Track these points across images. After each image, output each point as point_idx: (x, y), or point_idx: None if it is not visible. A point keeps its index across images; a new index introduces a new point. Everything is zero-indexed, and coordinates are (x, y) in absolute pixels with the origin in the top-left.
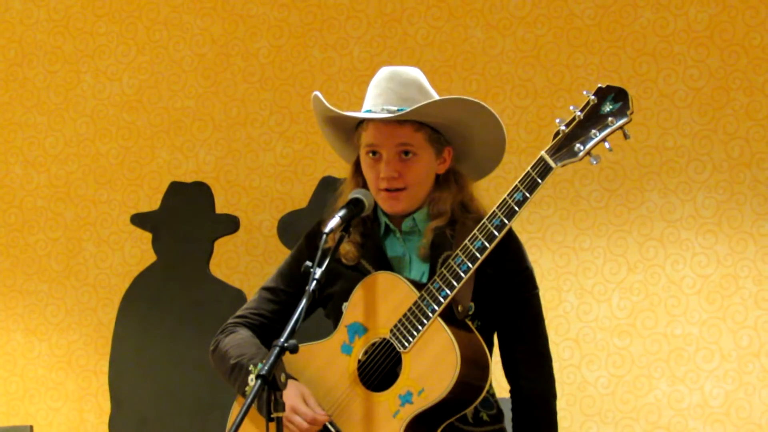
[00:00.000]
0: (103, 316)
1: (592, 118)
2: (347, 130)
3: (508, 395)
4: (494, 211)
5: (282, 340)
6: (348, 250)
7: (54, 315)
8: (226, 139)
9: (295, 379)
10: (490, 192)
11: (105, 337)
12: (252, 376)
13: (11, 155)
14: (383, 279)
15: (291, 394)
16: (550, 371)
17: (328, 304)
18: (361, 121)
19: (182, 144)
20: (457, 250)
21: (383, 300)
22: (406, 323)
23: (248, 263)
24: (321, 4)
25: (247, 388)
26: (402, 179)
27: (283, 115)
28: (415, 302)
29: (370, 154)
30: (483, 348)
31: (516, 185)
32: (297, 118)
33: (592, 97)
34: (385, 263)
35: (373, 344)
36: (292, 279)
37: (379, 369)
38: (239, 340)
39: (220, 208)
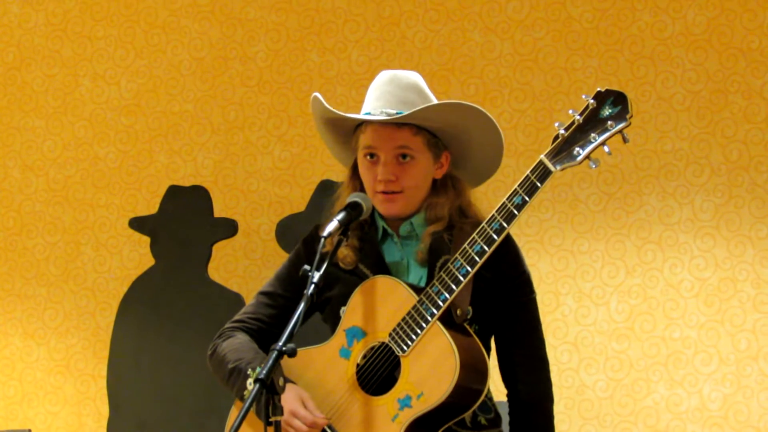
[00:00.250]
0: (102, 320)
1: (592, 121)
2: (346, 132)
3: (505, 399)
4: (493, 215)
5: (280, 343)
6: (346, 254)
7: (52, 319)
8: (225, 143)
9: (294, 383)
10: (488, 196)
11: (103, 341)
12: (250, 380)
13: (9, 159)
14: (382, 283)
15: (290, 398)
16: (547, 375)
17: (326, 309)
18: (360, 124)
19: (180, 148)
20: (456, 254)
21: (382, 304)
22: (405, 327)
23: (246, 267)
24: (319, 7)
25: (245, 393)
26: (399, 182)
27: (281, 119)
28: (414, 306)
29: (368, 157)
30: (482, 352)
31: (515, 189)
32: (295, 121)
33: (591, 101)
34: (383, 267)
35: (372, 348)
36: (289, 284)
37: (378, 373)
38: (237, 345)
39: (219, 211)
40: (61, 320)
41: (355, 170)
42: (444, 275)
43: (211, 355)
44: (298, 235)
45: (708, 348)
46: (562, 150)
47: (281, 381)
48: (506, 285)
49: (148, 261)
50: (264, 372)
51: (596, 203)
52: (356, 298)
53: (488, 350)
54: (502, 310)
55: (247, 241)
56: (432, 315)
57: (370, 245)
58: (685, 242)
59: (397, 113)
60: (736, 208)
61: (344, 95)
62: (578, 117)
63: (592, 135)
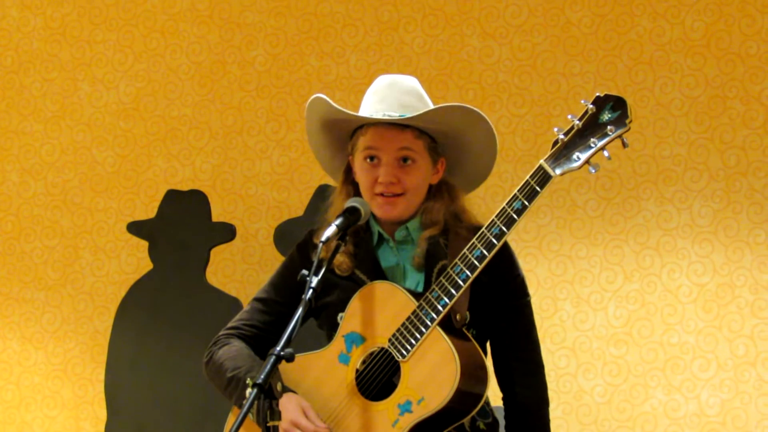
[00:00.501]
0: (100, 324)
1: (591, 126)
2: (341, 136)
3: (499, 403)
4: (493, 220)
5: (278, 348)
6: (341, 261)
7: (50, 323)
8: (223, 147)
9: (294, 392)
10: (486, 200)
11: (101, 345)
12: (249, 390)
13: (8, 163)
14: (381, 288)
15: (291, 408)
16: (543, 378)
17: (322, 314)
18: (360, 126)
19: (179, 152)
20: (456, 260)
21: (381, 309)
22: (405, 332)
23: (244, 271)
24: (317, 12)
25: (244, 401)
26: (401, 185)
27: (280, 124)
28: (414, 311)
29: (368, 160)
30: (481, 356)
31: (515, 194)
32: (293, 126)
33: (591, 106)
34: (379, 273)
35: (371, 354)
36: (284, 290)
37: (378, 378)
38: (234, 353)
39: (217, 216)
40: (59, 324)
41: (347, 176)
42: (444, 280)
43: (207, 362)
44: (296, 239)
45: (706, 353)
46: (562, 155)
47: (279, 386)
48: (502, 289)
49: (146, 265)
50: (262, 377)
51: (594, 208)
52: (355, 304)
53: (485, 354)
54: (498, 314)
55: (245, 246)
56: (432, 320)
57: (365, 251)
58: (684, 248)
59: (399, 116)
60: (735, 213)
61: (343, 100)
62: (578, 122)
63: (592, 140)
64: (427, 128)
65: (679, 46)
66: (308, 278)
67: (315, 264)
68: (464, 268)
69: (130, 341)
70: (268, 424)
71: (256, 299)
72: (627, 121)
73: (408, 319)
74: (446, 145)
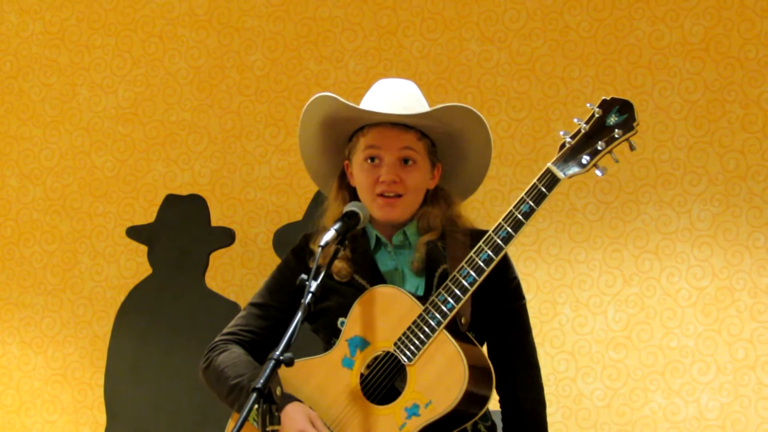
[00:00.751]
0: (99, 329)
1: (598, 130)
2: (338, 140)
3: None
4: (500, 224)
5: (277, 353)
6: (340, 267)
7: (50, 328)
8: (222, 152)
9: (299, 400)
10: (485, 204)
11: (100, 349)
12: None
13: (7, 168)
14: (384, 292)
15: (298, 418)
16: (540, 381)
17: (319, 319)
18: (362, 127)
19: (178, 157)
20: (463, 263)
21: (385, 313)
22: (411, 336)
23: (243, 276)
24: (316, 16)
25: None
26: (402, 184)
27: (279, 128)
28: (420, 315)
29: (369, 160)
30: (486, 359)
31: (522, 197)
32: (292, 131)
33: (597, 110)
34: (378, 277)
35: (376, 358)
36: (281, 294)
37: (383, 383)
38: (235, 359)
39: (216, 220)
40: (59, 329)
41: (342, 180)
42: (450, 283)
43: (205, 368)
44: (294, 244)
45: (705, 357)
46: (570, 158)
47: (278, 390)
48: (499, 292)
49: (146, 270)
50: (261, 381)
51: (593, 212)
52: (357, 308)
53: None
54: (495, 317)
55: (244, 250)
56: (439, 323)
57: (362, 256)
58: (683, 251)
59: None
60: (734, 217)
61: None
62: (584, 125)
63: (599, 143)
64: (431, 129)
65: (678, 49)
66: (307, 283)
67: (314, 269)
68: (471, 272)
69: (130, 346)
70: (267, 429)
71: (252, 304)
72: (634, 124)
73: (414, 322)
74: (446, 150)
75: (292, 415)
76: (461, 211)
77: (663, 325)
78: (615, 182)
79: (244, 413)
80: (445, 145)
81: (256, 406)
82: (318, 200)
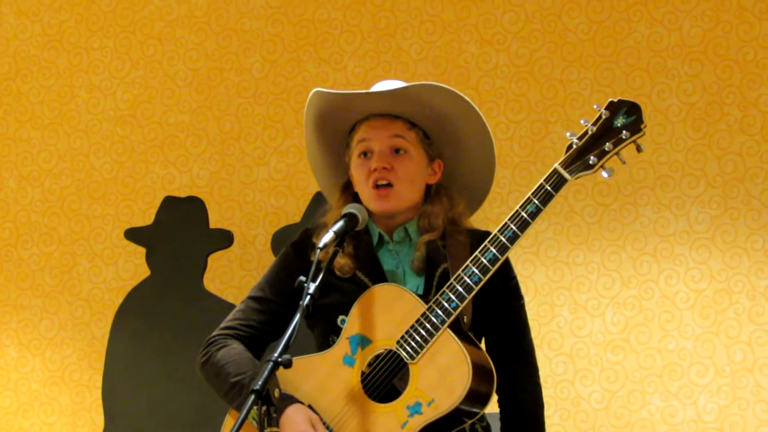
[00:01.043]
0: (97, 331)
1: (605, 131)
2: (338, 147)
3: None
4: (506, 223)
5: (276, 354)
6: (343, 263)
7: (48, 330)
8: (220, 154)
9: (299, 401)
10: (484, 206)
11: (98, 351)
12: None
13: (5, 170)
14: (387, 291)
15: (299, 420)
16: (539, 381)
17: (317, 316)
18: (354, 125)
19: (176, 159)
20: (467, 262)
21: (387, 311)
22: (414, 334)
23: (242, 278)
24: (315, 18)
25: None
26: (394, 172)
27: (277, 130)
28: (424, 313)
29: (362, 156)
30: (488, 359)
31: (528, 197)
32: (291, 132)
33: (604, 111)
34: (380, 274)
35: (378, 356)
36: (279, 288)
37: (384, 381)
38: (235, 356)
39: (214, 222)
40: (57, 331)
41: (346, 188)
42: (455, 282)
43: (204, 362)
44: None
45: (703, 359)
46: (577, 159)
47: (276, 392)
48: (498, 291)
49: (144, 272)
50: (259, 383)
51: (592, 215)
52: (359, 306)
53: None
54: (495, 317)
55: (243, 252)
56: (443, 322)
57: (365, 253)
58: (681, 254)
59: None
60: (732, 219)
61: None
62: (591, 127)
63: (607, 144)
64: (419, 117)
65: (677, 52)
66: (306, 284)
67: (312, 270)
68: (476, 271)
69: (128, 348)
70: (265, 431)
71: (251, 297)
72: (642, 126)
73: (417, 320)
74: (442, 145)
75: (293, 417)
76: (464, 210)
77: (661, 328)
78: (613, 185)
79: (242, 416)
80: (440, 138)
81: (254, 408)
82: (317, 202)
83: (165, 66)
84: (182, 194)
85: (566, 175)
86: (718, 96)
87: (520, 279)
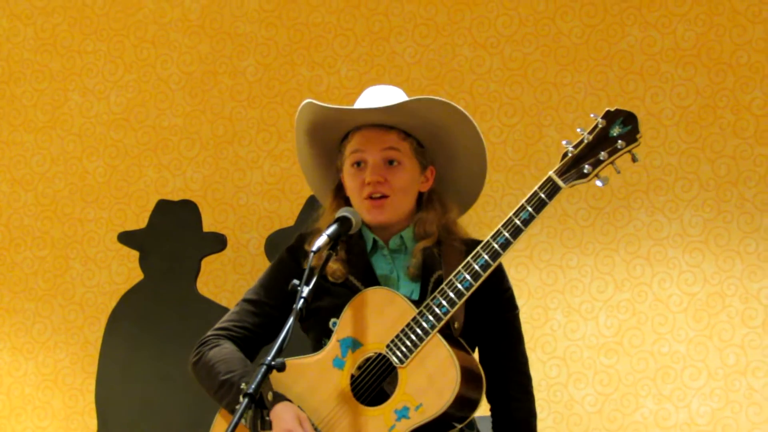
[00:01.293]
0: (90, 335)
1: (601, 140)
2: (330, 153)
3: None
4: (499, 230)
5: (269, 358)
6: (335, 268)
7: (41, 333)
8: (214, 158)
9: (289, 400)
10: (477, 210)
11: (92, 355)
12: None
13: None
14: (379, 294)
15: (287, 417)
16: (532, 391)
17: (311, 319)
18: (347, 134)
19: (169, 162)
20: (459, 267)
21: (378, 315)
22: (404, 338)
23: (235, 281)
24: (308, 22)
25: (237, 406)
26: (388, 185)
27: (271, 134)
28: (414, 318)
29: (355, 165)
30: (477, 364)
31: (522, 204)
32: (284, 136)
33: (601, 120)
34: (373, 280)
35: (367, 359)
36: (274, 292)
37: (373, 384)
38: (226, 355)
39: (208, 226)
40: (50, 334)
41: (338, 191)
42: (446, 288)
43: (196, 362)
44: None
45: (696, 363)
46: (571, 167)
47: (270, 395)
48: (493, 301)
49: (137, 275)
50: (252, 386)
51: (585, 218)
52: (351, 309)
53: None
54: (489, 326)
55: (236, 256)
56: (432, 327)
57: (357, 257)
58: (674, 257)
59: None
60: (725, 223)
61: None
62: (587, 135)
63: (602, 153)
64: (413, 128)
65: (670, 55)
66: (299, 288)
67: (306, 273)
68: (467, 276)
69: (121, 351)
70: None
71: (246, 300)
72: (637, 136)
73: (407, 325)
74: (435, 152)
75: (281, 414)
76: (457, 216)
77: (654, 331)
78: (607, 188)
79: (235, 419)
80: (433, 146)
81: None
82: (310, 206)
83: (158, 69)
84: (176, 198)
85: (561, 183)
86: (712, 99)
87: (513, 282)
